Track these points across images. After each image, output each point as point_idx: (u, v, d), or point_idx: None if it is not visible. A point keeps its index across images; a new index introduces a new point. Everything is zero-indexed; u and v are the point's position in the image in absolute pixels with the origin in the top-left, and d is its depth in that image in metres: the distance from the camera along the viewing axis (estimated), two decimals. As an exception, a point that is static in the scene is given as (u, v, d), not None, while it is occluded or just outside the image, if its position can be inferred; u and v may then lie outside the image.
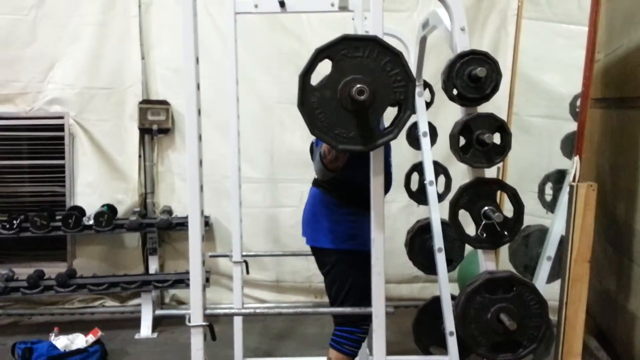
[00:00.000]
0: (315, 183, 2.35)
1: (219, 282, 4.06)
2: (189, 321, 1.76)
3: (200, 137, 1.76)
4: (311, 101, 1.51)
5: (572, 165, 2.03)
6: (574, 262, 1.97)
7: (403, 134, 3.19)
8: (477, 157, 1.70)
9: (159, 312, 1.79)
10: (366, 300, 2.24)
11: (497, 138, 1.70)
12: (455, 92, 1.70)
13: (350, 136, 1.53)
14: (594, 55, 2.04)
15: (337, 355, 2.28)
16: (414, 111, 1.54)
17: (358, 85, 1.45)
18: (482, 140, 1.66)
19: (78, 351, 3.10)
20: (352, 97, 1.46)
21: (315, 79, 1.54)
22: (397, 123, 1.56)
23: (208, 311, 1.78)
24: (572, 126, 2.83)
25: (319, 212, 2.32)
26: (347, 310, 1.90)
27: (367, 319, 2.28)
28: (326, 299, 4.21)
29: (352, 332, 2.26)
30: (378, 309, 1.76)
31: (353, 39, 1.49)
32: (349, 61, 1.49)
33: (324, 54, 1.50)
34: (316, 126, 1.53)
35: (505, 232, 1.72)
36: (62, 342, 3.13)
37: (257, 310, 1.99)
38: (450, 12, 1.78)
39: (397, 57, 1.51)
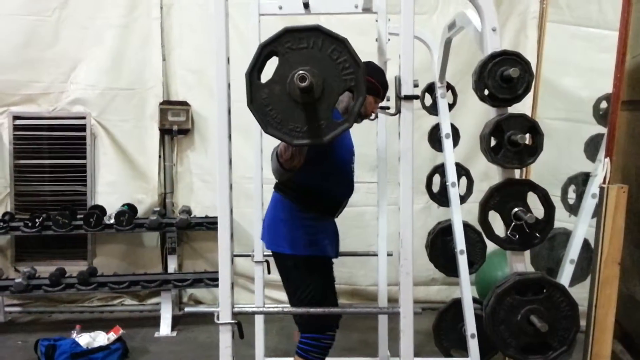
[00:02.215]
0: (277, 187, 2.35)
1: (236, 282, 4.06)
2: (218, 318, 1.76)
3: (230, 137, 1.77)
4: (261, 98, 1.46)
5: (602, 168, 2.02)
6: (604, 264, 1.96)
7: (425, 136, 3.20)
8: (508, 158, 1.69)
9: (188, 309, 1.79)
10: (326, 305, 2.23)
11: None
12: (486, 92, 1.70)
13: (305, 130, 1.47)
14: (625, 57, 2.02)
15: None
16: (365, 96, 1.48)
17: (300, 72, 1.40)
18: (514, 140, 1.66)
19: (100, 348, 3.14)
20: (297, 85, 1.41)
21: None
22: (351, 110, 1.48)
23: (236, 309, 1.78)
24: (594, 129, 2.82)
25: (279, 216, 2.32)
26: (375, 310, 1.90)
27: (333, 325, 2.29)
28: (346, 299, 4.23)
29: (318, 339, 2.25)
30: (406, 309, 1.76)
31: (296, 30, 1.45)
32: (295, 54, 1.44)
33: (268, 49, 1.46)
34: (269, 124, 1.48)
35: (536, 234, 1.72)
36: (84, 339, 3.16)
37: (285, 309, 2.00)
38: (481, 13, 1.78)
39: (342, 44, 1.45)
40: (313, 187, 2.26)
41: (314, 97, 1.45)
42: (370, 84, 2.25)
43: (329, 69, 1.46)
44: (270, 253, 2.60)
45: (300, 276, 2.29)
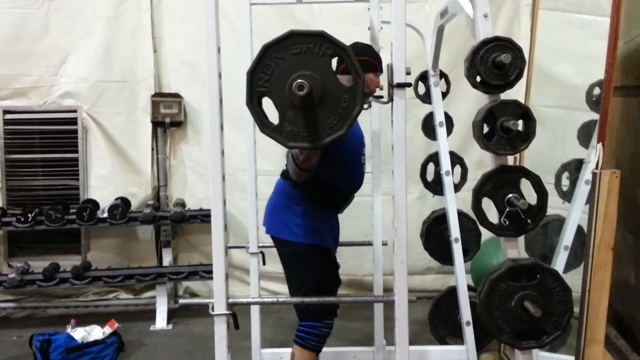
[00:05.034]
0: (284, 175, 2.34)
1: (232, 274, 4.07)
2: (212, 310, 1.75)
3: (222, 127, 1.76)
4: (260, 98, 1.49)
5: (595, 153, 2.02)
6: (597, 249, 1.96)
7: (419, 126, 3.19)
8: (501, 145, 1.69)
9: (182, 301, 1.79)
10: (326, 294, 2.24)
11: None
12: (478, 79, 1.69)
13: (300, 133, 1.49)
14: (617, 42, 2.02)
15: (300, 351, 2.26)
16: (362, 106, 1.49)
17: (298, 81, 1.41)
18: (506, 127, 1.65)
19: (96, 342, 3.12)
20: (296, 94, 1.42)
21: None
22: (346, 117, 1.49)
23: (231, 300, 1.78)
24: (588, 116, 2.82)
25: (283, 204, 2.32)
26: (370, 298, 1.90)
27: (332, 313, 2.28)
28: (342, 290, 4.24)
29: (316, 327, 2.25)
30: (401, 297, 1.76)
31: (301, 34, 1.46)
32: (296, 58, 1.45)
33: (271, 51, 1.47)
34: (265, 124, 1.50)
35: (529, 220, 1.72)
36: (79, 333, 3.14)
37: (280, 299, 2.00)
38: (473, -1, 1.77)
39: (344, 52, 1.47)
40: (320, 180, 2.23)
41: (313, 102, 1.46)
42: (364, 63, 2.22)
43: (329, 75, 1.47)
44: (267, 243, 2.58)
45: (299, 264, 2.29)
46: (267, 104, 1.52)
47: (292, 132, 1.49)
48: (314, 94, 1.44)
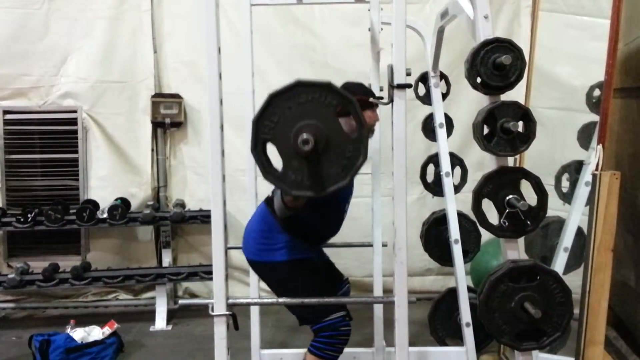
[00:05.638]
0: (268, 202, 2.32)
1: (232, 275, 4.06)
2: (212, 310, 1.75)
3: (222, 127, 1.76)
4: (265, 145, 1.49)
5: (595, 154, 2.03)
6: (596, 250, 1.96)
7: (419, 127, 3.19)
8: (501, 146, 1.69)
9: (182, 301, 1.79)
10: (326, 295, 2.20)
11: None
12: (478, 80, 1.69)
13: (304, 182, 1.49)
14: (617, 44, 2.02)
15: None
16: (366, 157, 1.50)
17: (304, 136, 1.42)
18: (506, 128, 1.65)
19: (95, 343, 3.12)
20: (301, 149, 1.42)
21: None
22: (349, 169, 1.50)
23: (231, 300, 1.78)
24: (588, 117, 2.82)
25: (263, 229, 2.30)
26: (370, 299, 1.89)
27: (347, 321, 2.24)
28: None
29: (333, 336, 2.21)
30: (401, 298, 1.76)
31: (307, 84, 1.45)
32: (300, 108, 1.46)
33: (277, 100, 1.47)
34: (269, 171, 1.50)
35: (529, 221, 1.72)
36: (79, 334, 3.14)
37: (279, 300, 2.00)
38: (473, 1, 1.77)
39: (350, 103, 1.47)
40: (302, 220, 2.23)
41: (318, 151, 1.46)
42: (360, 101, 2.21)
43: (334, 126, 1.47)
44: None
45: (288, 283, 2.26)
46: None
47: (296, 181, 1.49)
48: (318, 145, 1.44)
